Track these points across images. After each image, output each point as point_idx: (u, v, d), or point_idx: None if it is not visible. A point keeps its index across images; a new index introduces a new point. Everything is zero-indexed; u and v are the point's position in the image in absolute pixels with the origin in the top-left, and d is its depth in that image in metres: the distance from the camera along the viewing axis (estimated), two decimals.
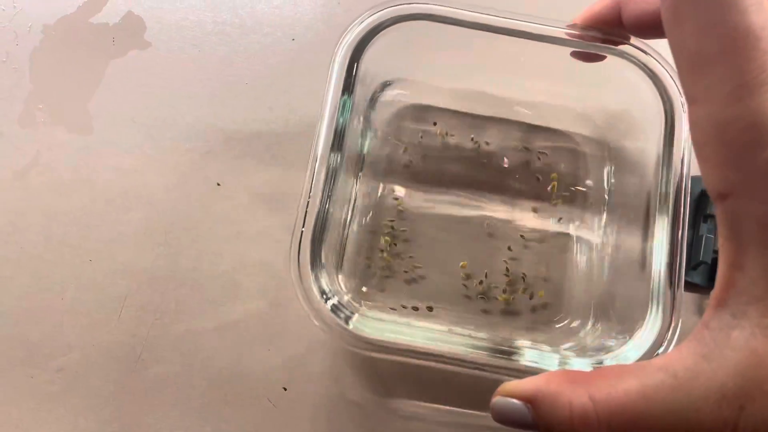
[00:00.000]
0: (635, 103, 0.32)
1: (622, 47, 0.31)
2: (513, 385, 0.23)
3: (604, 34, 0.31)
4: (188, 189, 0.36)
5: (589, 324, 0.33)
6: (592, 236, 0.35)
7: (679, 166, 0.30)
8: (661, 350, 0.28)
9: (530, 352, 0.29)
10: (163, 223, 0.35)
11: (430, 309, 0.34)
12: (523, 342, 0.32)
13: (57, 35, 0.38)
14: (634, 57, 0.31)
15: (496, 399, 0.23)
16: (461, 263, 0.35)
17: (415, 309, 0.34)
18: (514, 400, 0.22)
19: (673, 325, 0.28)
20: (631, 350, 0.28)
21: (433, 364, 0.28)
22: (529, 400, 0.22)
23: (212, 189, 0.36)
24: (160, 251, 0.35)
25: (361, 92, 0.33)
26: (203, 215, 0.35)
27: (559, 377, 0.22)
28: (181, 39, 0.38)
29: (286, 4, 0.39)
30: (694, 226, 0.36)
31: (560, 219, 0.35)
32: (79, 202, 0.35)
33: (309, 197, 0.29)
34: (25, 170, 0.36)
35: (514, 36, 0.31)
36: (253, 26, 0.38)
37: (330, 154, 0.29)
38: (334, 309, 0.28)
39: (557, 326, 0.34)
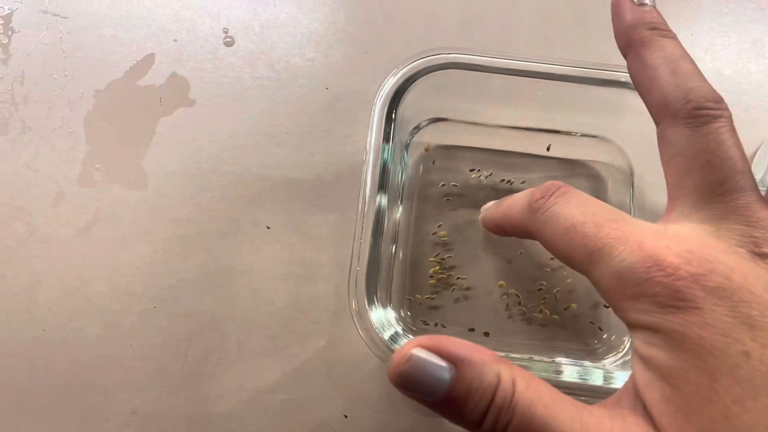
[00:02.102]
0: (649, 129, 0.34)
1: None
2: (436, 340, 0.20)
3: (615, 68, 0.33)
4: (240, 234, 0.38)
5: (627, 337, 0.36)
6: None
7: None
8: None
9: (574, 369, 0.31)
10: (220, 267, 0.38)
11: (486, 334, 0.36)
12: (564, 359, 0.34)
13: (108, 99, 0.41)
14: None
15: (414, 351, 0.20)
16: (498, 283, 0.37)
17: (471, 330, 0.36)
18: (437, 359, 0.20)
19: None
20: None
21: None
22: (456, 361, 0.20)
23: (263, 232, 0.38)
24: (218, 294, 0.37)
25: (398, 136, 0.36)
26: (256, 257, 0.38)
27: (491, 353, 0.21)
28: (223, 95, 0.41)
29: (318, 56, 0.42)
30: None
31: None
32: (140, 253, 0.38)
33: (361, 238, 0.31)
34: (87, 226, 0.38)
35: (531, 77, 0.33)
36: (289, 79, 0.41)
37: (376, 197, 0.32)
38: (392, 340, 0.31)
39: (596, 342, 0.36)
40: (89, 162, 0.39)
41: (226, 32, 0.42)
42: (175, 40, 0.42)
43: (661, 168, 0.35)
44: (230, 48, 0.42)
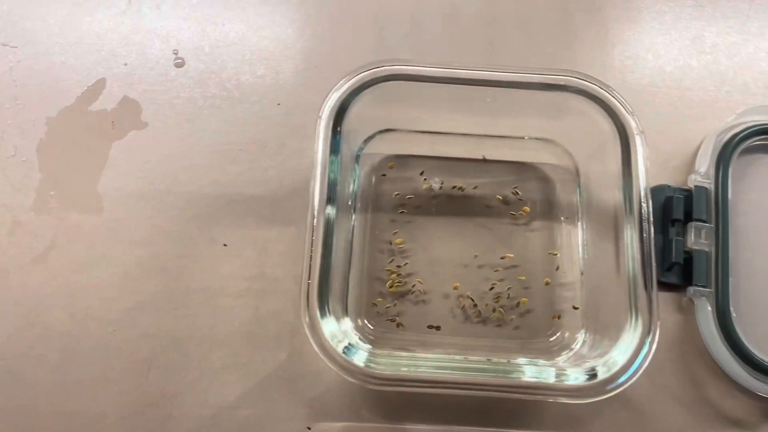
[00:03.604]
0: (594, 130, 0.35)
1: (576, 84, 0.34)
2: None
3: (558, 72, 0.34)
4: (198, 253, 0.38)
5: (580, 334, 0.36)
6: (571, 252, 0.38)
7: (638, 180, 0.33)
8: (644, 350, 0.31)
9: (529, 368, 0.32)
10: (179, 287, 0.38)
11: (438, 328, 0.37)
12: (521, 360, 0.35)
13: (60, 125, 0.41)
14: (588, 91, 0.34)
15: None
16: (454, 285, 0.38)
17: (431, 327, 0.37)
18: None
19: (652, 325, 0.31)
20: (618, 354, 0.31)
21: (442, 391, 0.30)
22: None
23: (220, 250, 0.39)
24: (178, 314, 0.37)
25: (348, 148, 0.36)
26: (214, 275, 0.38)
27: None
28: (175, 116, 0.41)
29: (269, 73, 0.42)
30: (663, 230, 0.39)
31: (540, 239, 0.39)
32: (98, 278, 0.38)
33: (311, 251, 0.32)
34: (44, 254, 0.38)
35: (478, 85, 0.34)
36: (241, 97, 0.42)
37: (325, 210, 0.32)
38: (346, 351, 0.31)
39: (551, 339, 0.37)
40: (43, 189, 0.40)
41: (176, 53, 0.42)
42: (126, 64, 0.42)
43: (604, 167, 0.36)
44: (181, 69, 0.42)
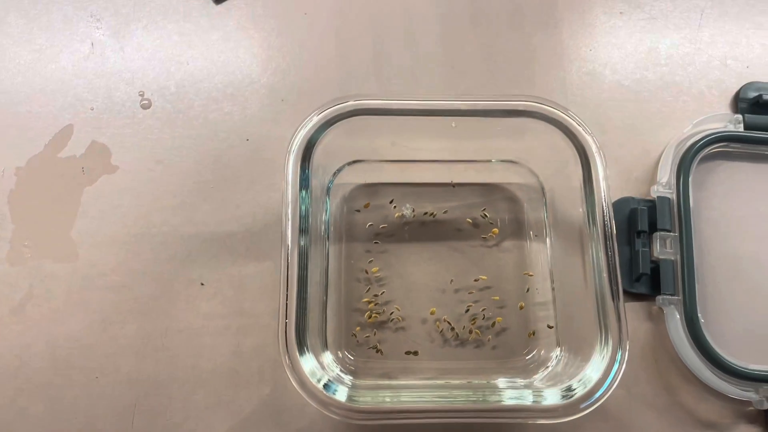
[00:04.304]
0: (555, 150, 0.36)
1: (536, 108, 0.35)
2: None
3: (518, 98, 0.35)
4: (175, 293, 0.39)
5: (555, 351, 0.37)
6: (543, 270, 0.39)
7: (600, 198, 0.34)
8: (615, 366, 0.32)
9: (507, 392, 0.33)
10: (158, 329, 0.38)
11: (415, 353, 0.38)
12: (500, 380, 0.36)
13: (30, 175, 0.41)
14: (547, 115, 0.35)
15: None
16: (431, 310, 0.38)
17: (410, 353, 0.38)
18: None
19: (621, 341, 0.32)
20: (591, 371, 0.32)
21: (425, 421, 0.31)
22: None
23: (198, 289, 0.39)
24: (159, 356, 0.38)
25: (317, 182, 0.37)
26: (193, 315, 0.38)
27: None
28: (145, 158, 0.41)
29: (236, 109, 0.42)
30: (629, 242, 0.40)
31: (512, 259, 0.40)
32: (77, 325, 0.38)
33: (287, 290, 0.32)
34: (21, 305, 0.38)
35: (442, 116, 0.35)
36: (209, 134, 0.42)
37: (299, 245, 0.33)
38: (327, 387, 0.32)
39: (527, 358, 0.38)
40: (17, 240, 0.40)
41: (142, 95, 0.43)
42: (92, 108, 0.42)
43: (568, 184, 0.37)
44: (148, 110, 0.42)
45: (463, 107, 0.35)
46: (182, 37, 0.44)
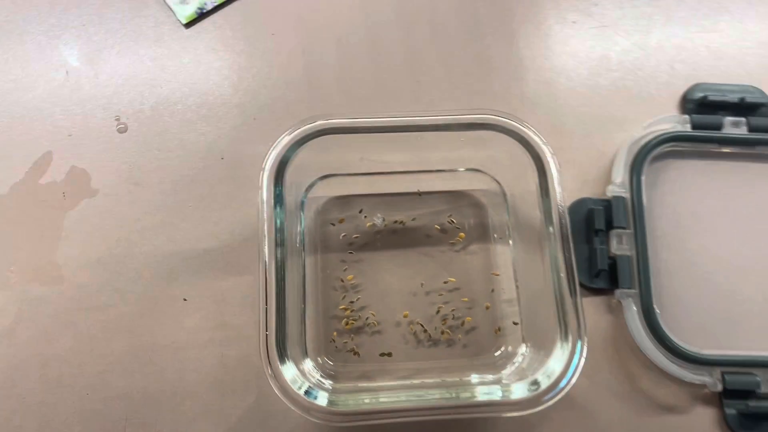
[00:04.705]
0: (514, 158, 0.39)
1: (493, 121, 0.37)
2: None
3: (476, 112, 0.38)
4: (159, 310, 0.40)
5: (522, 347, 0.40)
6: (507, 270, 0.42)
7: (555, 202, 0.36)
8: (575, 358, 0.34)
9: (478, 388, 0.35)
10: (145, 345, 0.40)
11: (389, 354, 0.40)
12: (471, 377, 0.38)
13: (12, 202, 0.42)
14: (504, 127, 0.37)
15: None
16: (403, 313, 0.41)
17: (384, 354, 0.40)
18: None
19: (580, 335, 0.34)
20: (554, 363, 0.35)
21: (402, 419, 0.33)
22: None
23: (181, 305, 0.41)
24: (147, 371, 0.39)
25: (291, 197, 0.39)
26: (178, 330, 0.40)
27: None
28: (124, 181, 0.43)
29: (210, 129, 0.44)
30: (588, 240, 0.43)
31: (478, 261, 0.42)
32: (66, 346, 0.40)
33: (266, 304, 0.34)
34: (11, 329, 0.40)
35: (406, 131, 0.37)
36: (185, 155, 0.44)
37: (275, 259, 0.35)
38: (308, 393, 0.34)
39: (496, 354, 0.40)
40: (3, 266, 0.41)
41: (118, 119, 0.44)
42: (70, 135, 0.44)
43: (527, 189, 0.39)
44: (124, 134, 0.44)
45: (426, 122, 0.37)
46: (155, 62, 0.46)
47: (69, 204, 0.42)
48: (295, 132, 0.37)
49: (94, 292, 0.41)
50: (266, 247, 0.35)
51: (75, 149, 0.43)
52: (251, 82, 0.46)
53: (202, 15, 0.47)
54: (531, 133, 0.37)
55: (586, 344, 0.34)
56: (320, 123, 0.37)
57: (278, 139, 0.37)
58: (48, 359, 0.40)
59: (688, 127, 0.45)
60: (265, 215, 0.36)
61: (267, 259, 0.35)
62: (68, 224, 0.42)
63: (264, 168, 0.36)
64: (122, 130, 0.44)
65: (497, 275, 0.42)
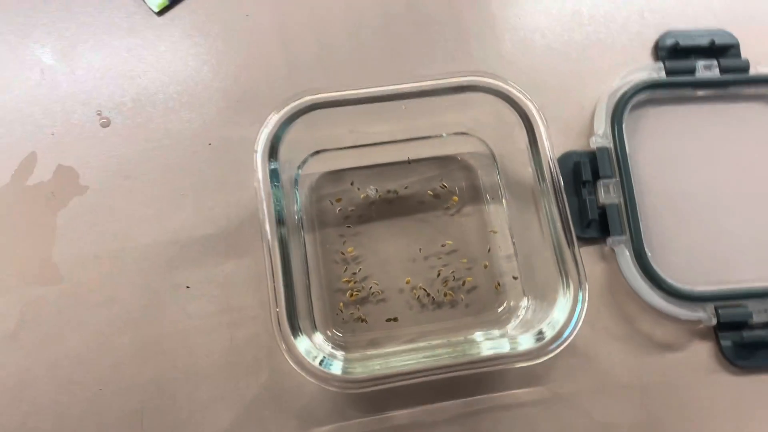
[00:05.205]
0: (500, 118, 0.39)
1: (477, 82, 0.38)
2: None
3: (460, 74, 0.38)
4: (163, 300, 0.41)
5: (523, 301, 0.41)
6: (503, 228, 0.43)
7: (545, 156, 0.37)
8: (579, 305, 0.35)
9: (485, 343, 0.36)
10: (152, 335, 0.40)
11: (395, 319, 0.41)
12: (477, 335, 0.39)
13: (1, 206, 0.42)
14: (489, 87, 0.38)
15: None
16: (406, 280, 0.41)
17: (390, 320, 0.41)
18: None
19: (581, 282, 0.36)
20: (558, 313, 0.36)
21: (414, 380, 0.34)
22: None
23: (184, 293, 0.41)
24: (158, 360, 0.40)
25: (286, 175, 0.39)
26: (184, 317, 0.40)
27: None
28: (112, 175, 0.43)
29: (194, 116, 0.44)
30: (577, 192, 0.44)
31: (473, 222, 0.43)
32: (73, 343, 0.40)
33: (273, 280, 0.34)
34: (15, 331, 0.40)
35: (392, 100, 0.37)
36: (172, 144, 0.43)
37: (278, 237, 0.35)
38: (323, 363, 0.34)
39: (499, 310, 0.41)
40: (0, 271, 0.41)
41: (99, 114, 0.44)
42: (53, 134, 0.43)
43: (515, 148, 0.40)
44: (108, 128, 0.44)
45: (412, 90, 0.38)
46: (130, 52, 0.45)
47: (59, 203, 0.42)
48: (285, 109, 0.37)
49: (95, 288, 0.41)
50: (267, 225, 0.35)
51: (59, 147, 0.43)
52: (230, 66, 0.45)
53: (174, 2, 0.46)
54: (515, 91, 0.38)
55: (587, 292, 0.35)
56: (308, 98, 0.37)
57: (268, 118, 0.37)
58: (56, 359, 0.39)
59: (662, 74, 0.46)
60: (263, 194, 0.36)
61: (270, 237, 0.35)
62: (61, 223, 0.42)
63: (257, 148, 0.37)
64: (105, 124, 0.44)
65: (495, 233, 0.42)
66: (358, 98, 0.37)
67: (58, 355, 0.40)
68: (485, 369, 0.35)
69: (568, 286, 0.36)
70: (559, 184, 0.37)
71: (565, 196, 0.37)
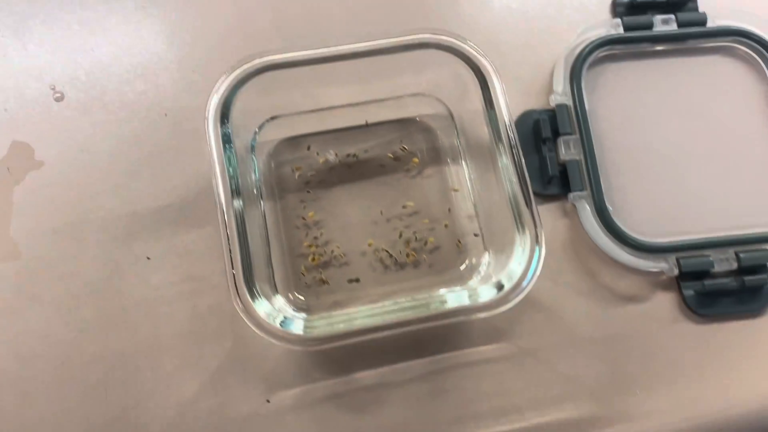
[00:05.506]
0: (457, 77, 0.39)
1: (432, 39, 0.38)
2: None
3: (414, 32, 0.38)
4: (124, 272, 0.40)
5: (485, 257, 0.41)
6: (462, 189, 0.43)
7: (501, 114, 0.37)
8: (535, 257, 0.35)
9: (447, 296, 0.36)
10: (114, 307, 0.40)
11: (357, 280, 0.41)
12: (440, 291, 0.39)
13: None
14: (443, 44, 0.38)
15: None
16: (368, 242, 0.41)
17: (352, 281, 0.41)
18: None
19: (538, 236, 0.36)
20: (514, 265, 0.36)
21: (376, 335, 0.34)
22: None
23: (144, 264, 0.41)
24: (120, 332, 0.39)
25: (240, 142, 0.39)
26: (145, 288, 0.40)
27: None
28: (68, 149, 0.42)
29: (149, 87, 0.44)
30: (537, 150, 0.44)
31: (434, 183, 0.43)
32: (33, 318, 0.39)
33: (229, 243, 0.34)
34: None
35: (346, 59, 0.37)
36: (127, 116, 0.43)
37: (233, 204, 0.35)
38: (284, 324, 0.34)
39: (462, 268, 0.41)
40: None
41: (53, 89, 0.43)
42: (6, 110, 0.43)
43: (472, 107, 0.40)
44: (62, 102, 0.43)
45: (365, 49, 0.38)
46: (82, 26, 0.45)
47: (15, 178, 0.42)
48: (235, 72, 0.37)
49: (54, 263, 0.40)
50: (221, 193, 0.35)
51: (13, 123, 0.42)
52: (184, 36, 0.45)
53: None
54: (470, 48, 0.38)
55: (543, 247, 0.36)
56: (258, 61, 0.37)
57: (218, 82, 0.37)
58: (17, 334, 0.39)
59: (620, 30, 0.46)
60: (215, 156, 0.36)
61: (224, 204, 0.35)
62: (18, 199, 0.41)
63: (207, 115, 0.36)
64: (59, 99, 0.43)
65: (456, 190, 0.42)
66: (311, 59, 0.37)
67: (18, 331, 0.39)
68: (447, 321, 0.35)
69: (525, 241, 0.36)
70: (515, 140, 0.37)
71: (520, 151, 0.37)
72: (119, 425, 0.38)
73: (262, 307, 0.34)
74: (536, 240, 0.36)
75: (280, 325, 0.34)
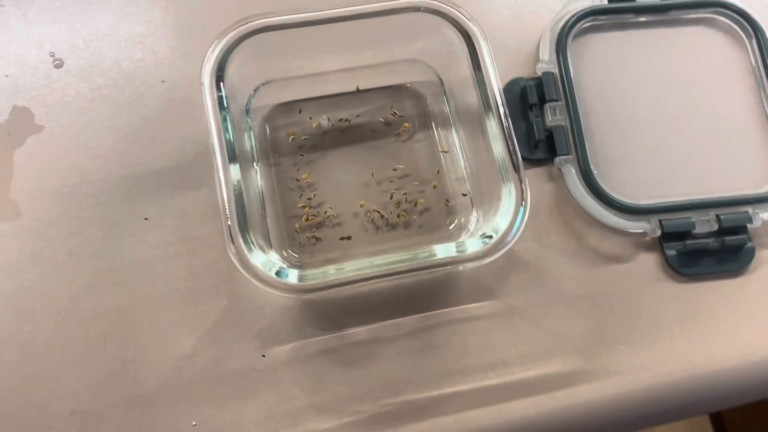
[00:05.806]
0: (446, 43, 0.41)
1: (423, 3, 0.39)
2: None
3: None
4: (122, 231, 0.41)
5: (473, 216, 0.42)
6: (452, 152, 0.44)
7: (489, 79, 0.39)
8: (520, 213, 0.37)
9: (436, 248, 0.37)
10: (113, 266, 0.41)
11: (348, 238, 0.42)
12: (429, 247, 0.40)
13: None
14: (433, 8, 0.39)
15: None
16: (360, 203, 0.43)
17: (344, 238, 0.42)
18: None
19: (524, 194, 0.37)
20: (501, 220, 0.37)
21: (367, 284, 0.35)
22: None
23: (142, 224, 0.42)
24: (118, 289, 0.40)
25: (236, 106, 0.40)
26: (143, 247, 0.41)
27: None
28: (68, 114, 0.43)
29: (147, 55, 0.45)
30: (524, 116, 0.45)
31: (424, 147, 0.44)
32: (33, 276, 0.40)
33: (226, 199, 0.35)
34: None
35: (339, 21, 0.38)
36: (125, 83, 0.44)
37: (229, 165, 0.36)
38: (279, 274, 0.35)
39: (451, 227, 0.42)
40: None
41: (53, 55, 0.44)
42: (7, 76, 0.44)
43: (461, 73, 0.41)
44: (62, 69, 0.44)
45: (356, 12, 0.39)
46: None
47: (16, 142, 0.43)
48: (228, 35, 0.38)
49: (54, 223, 0.41)
50: (218, 154, 0.36)
51: (14, 89, 0.43)
52: (180, 4, 0.46)
53: None
54: (457, 12, 0.39)
55: (528, 205, 0.37)
56: (250, 24, 0.38)
57: (210, 48, 0.38)
58: (18, 290, 0.40)
59: (604, 1, 0.47)
60: (211, 120, 0.37)
61: (221, 165, 0.36)
62: (18, 161, 0.42)
63: (202, 79, 0.38)
64: (59, 65, 0.44)
65: (446, 152, 0.44)
66: (302, 21, 0.39)
67: (19, 287, 0.40)
68: (435, 270, 0.36)
69: (511, 199, 0.37)
70: (502, 100, 0.38)
71: (507, 111, 0.38)
72: (118, 379, 0.39)
73: (257, 258, 0.35)
74: (522, 196, 0.37)
75: (276, 275, 0.35)
